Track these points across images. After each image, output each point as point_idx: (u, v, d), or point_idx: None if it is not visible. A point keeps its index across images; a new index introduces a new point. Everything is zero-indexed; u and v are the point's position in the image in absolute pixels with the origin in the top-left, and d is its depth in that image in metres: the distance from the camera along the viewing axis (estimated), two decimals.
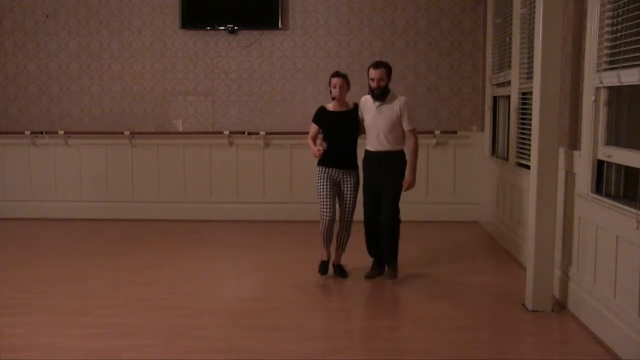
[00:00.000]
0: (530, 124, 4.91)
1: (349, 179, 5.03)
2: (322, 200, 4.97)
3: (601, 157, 3.98)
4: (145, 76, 7.54)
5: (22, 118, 7.66)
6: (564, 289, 4.41)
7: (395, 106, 4.89)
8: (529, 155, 4.75)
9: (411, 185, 4.96)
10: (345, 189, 5.05)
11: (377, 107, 4.91)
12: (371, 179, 4.97)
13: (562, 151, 4.40)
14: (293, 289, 4.87)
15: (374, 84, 4.87)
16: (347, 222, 5.07)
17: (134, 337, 3.89)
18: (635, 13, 3.55)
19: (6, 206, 7.58)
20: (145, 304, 4.51)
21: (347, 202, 5.05)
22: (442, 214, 7.34)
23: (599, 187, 4.03)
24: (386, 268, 5.07)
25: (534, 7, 4.48)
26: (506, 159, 6.29)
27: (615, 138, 3.94)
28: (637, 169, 3.53)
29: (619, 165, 3.86)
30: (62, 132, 7.51)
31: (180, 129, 7.55)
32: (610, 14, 3.85)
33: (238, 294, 4.77)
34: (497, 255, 5.95)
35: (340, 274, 5.11)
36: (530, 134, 4.81)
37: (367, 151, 5.04)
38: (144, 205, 7.52)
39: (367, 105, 4.99)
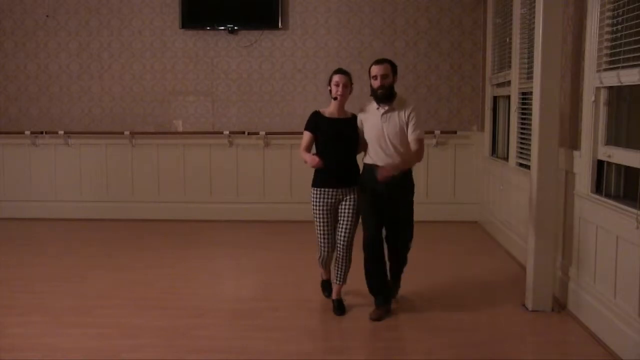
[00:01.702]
0: (530, 124, 4.91)
1: (348, 198, 4.20)
2: (319, 231, 4.23)
3: (601, 157, 3.98)
4: (145, 76, 7.54)
5: (22, 118, 7.66)
6: (564, 289, 4.41)
7: (402, 113, 4.11)
8: (529, 155, 4.75)
9: (389, 171, 3.93)
10: (344, 208, 4.22)
11: (382, 114, 4.11)
12: (373, 194, 4.13)
13: (562, 151, 4.40)
14: (293, 289, 4.87)
15: (377, 83, 4.09)
16: (345, 248, 4.23)
17: (134, 337, 3.89)
18: (635, 13, 3.55)
19: (6, 206, 7.58)
20: (145, 304, 4.51)
21: (346, 224, 4.21)
22: (442, 214, 7.34)
23: (599, 187, 4.03)
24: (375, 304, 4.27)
25: (534, 7, 4.48)
26: (506, 159, 6.29)
27: (615, 138, 3.94)
28: (637, 169, 3.53)
29: (619, 165, 3.86)
30: (62, 132, 7.50)
31: (180, 129, 7.55)
32: (610, 14, 3.85)
33: (238, 294, 4.77)
34: (497, 255, 5.95)
35: (339, 310, 4.32)
36: (530, 134, 4.81)
37: (367, 165, 4.22)
38: (144, 205, 7.52)
39: (369, 114, 4.20)
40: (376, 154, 4.14)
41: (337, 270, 4.35)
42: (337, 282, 4.38)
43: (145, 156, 7.54)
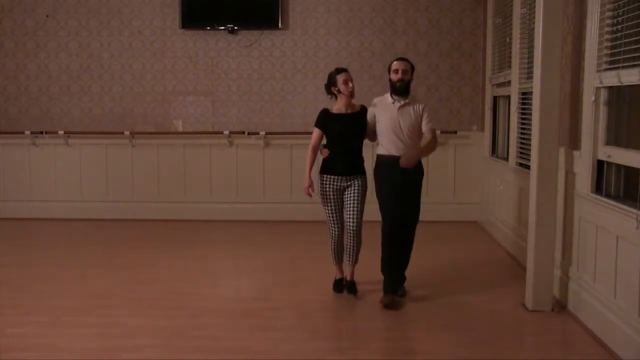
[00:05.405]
0: (530, 124, 4.91)
1: (354, 183, 4.58)
2: (328, 214, 4.62)
3: (601, 157, 3.98)
4: (145, 76, 7.54)
5: (22, 118, 7.65)
6: (564, 289, 4.41)
7: (417, 108, 4.54)
8: (529, 155, 4.75)
9: (410, 160, 4.36)
10: (350, 193, 4.59)
11: (399, 108, 4.48)
12: (391, 181, 4.45)
13: (562, 151, 4.40)
14: (293, 289, 4.87)
15: (397, 76, 4.47)
16: (354, 230, 4.57)
17: (134, 337, 3.89)
18: (635, 13, 3.55)
19: (6, 206, 7.57)
20: (145, 304, 4.51)
21: (353, 207, 4.57)
22: (442, 214, 7.33)
23: (599, 187, 4.02)
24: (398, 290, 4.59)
25: (534, 7, 4.49)
26: (506, 159, 6.29)
27: (615, 138, 3.94)
28: (637, 169, 3.53)
29: (619, 165, 3.86)
30: (62, 132, 7.50)
31: (180, 129, 7.55)
32: (610, 14, 3.85)
33: (238, 294, 4.77)
34: (497, 255, 5.95)
35: (351, 291, 4.67)
36: (530, 134, 4.81)
37: (382, 156, 4.54)
38: (144, 205, 7.51)
39: (384, 107, 4.56)
40: (392, 143, 4.48)
41: (349, 254, 4.65)
42: (350, 263, 4.68)
43: (145, 156, 7.53)
